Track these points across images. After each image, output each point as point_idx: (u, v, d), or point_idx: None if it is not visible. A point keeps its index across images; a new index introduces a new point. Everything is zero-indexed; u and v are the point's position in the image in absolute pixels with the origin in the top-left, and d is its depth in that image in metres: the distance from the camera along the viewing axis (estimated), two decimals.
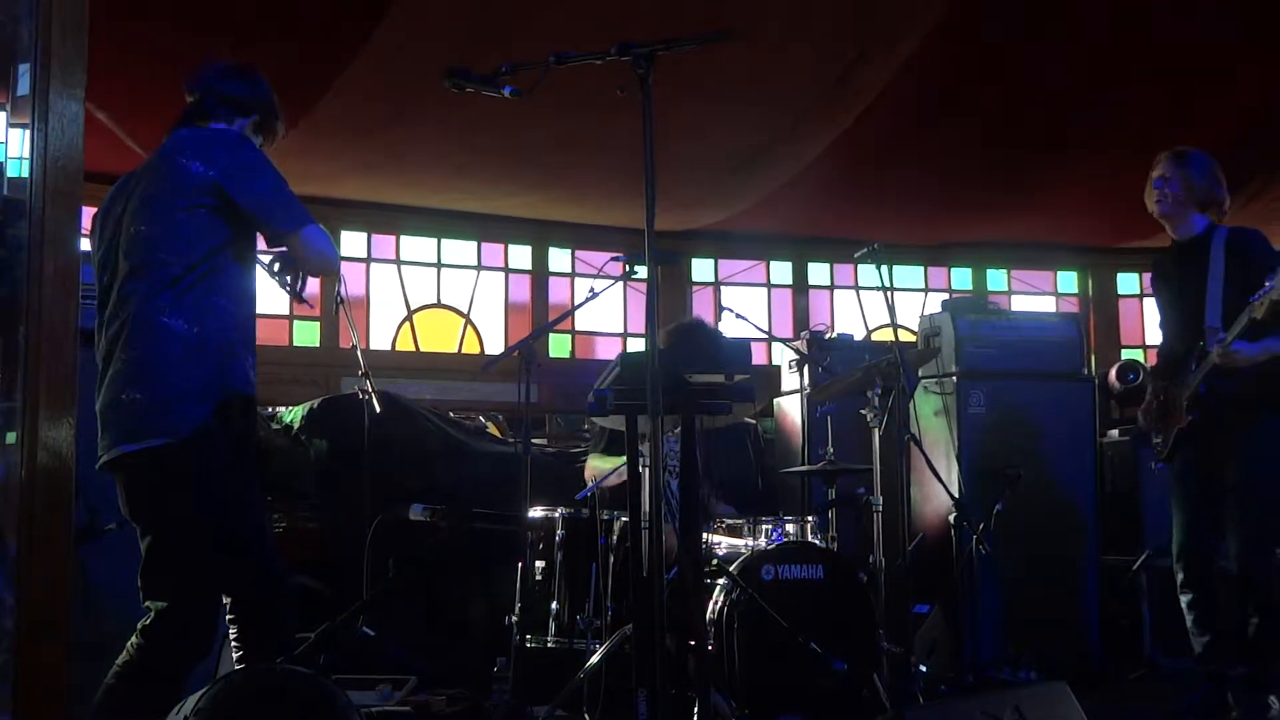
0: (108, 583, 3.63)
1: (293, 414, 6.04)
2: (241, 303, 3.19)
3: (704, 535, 4.71)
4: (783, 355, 7.03)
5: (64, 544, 2.23)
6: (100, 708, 2.99)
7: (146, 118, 6.04)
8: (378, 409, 5.39)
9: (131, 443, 3.00)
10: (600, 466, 5.27)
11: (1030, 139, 7.81)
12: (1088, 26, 6.65)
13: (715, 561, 4.66)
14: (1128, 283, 10.63)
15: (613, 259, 5.22)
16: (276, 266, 3.32)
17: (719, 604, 4.50)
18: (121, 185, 3.27)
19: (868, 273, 9.47)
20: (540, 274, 9.55)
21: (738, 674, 4.38)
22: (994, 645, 5.66)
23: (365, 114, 6.93)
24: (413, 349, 9.10)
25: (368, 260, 9.07)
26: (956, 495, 5.42)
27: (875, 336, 8.11)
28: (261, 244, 3.29)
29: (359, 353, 5.36)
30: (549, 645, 4.63)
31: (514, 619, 4.71)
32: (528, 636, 4.66)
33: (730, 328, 5.87)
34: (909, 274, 10.35)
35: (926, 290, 10.36)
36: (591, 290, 5.42)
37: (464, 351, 9.22)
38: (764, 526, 4.92)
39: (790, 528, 4.91)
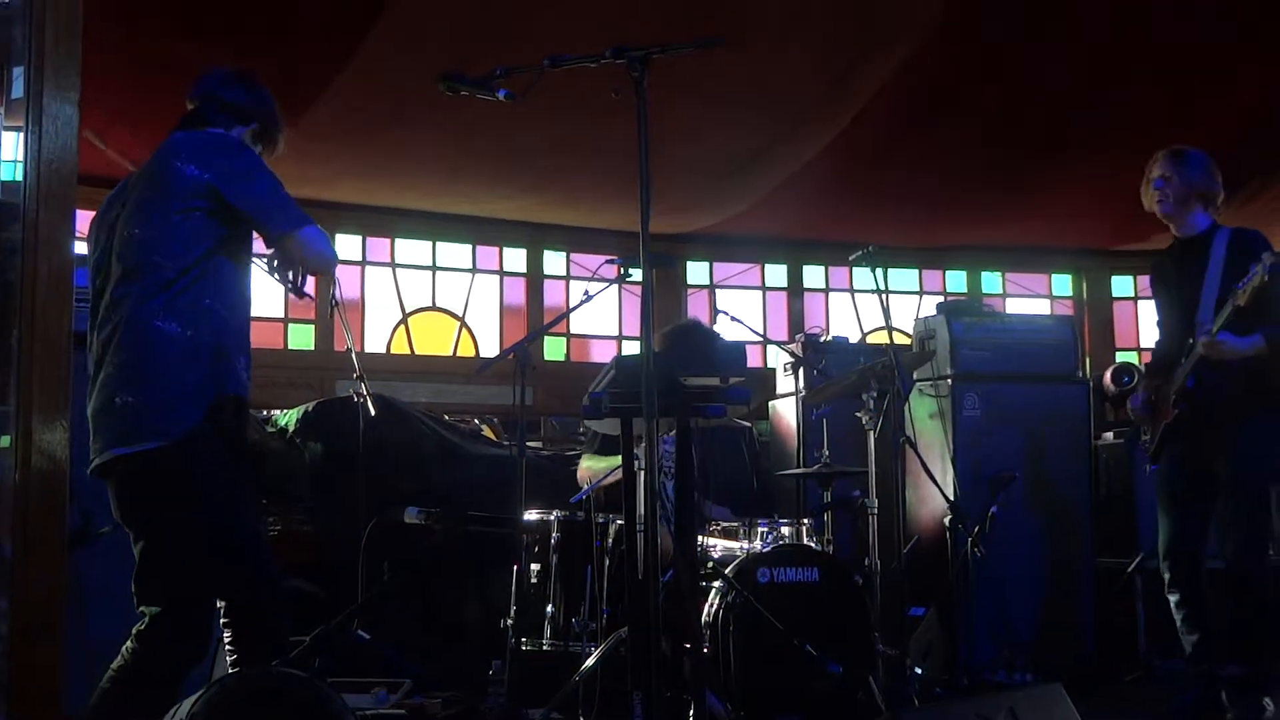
0: (102, 587, 3.62)
1: (287, 417, 6.04)
2: (235, 306, 3.19)
3: (699, 538, 4.71)
4: (778, 358, 7.03)
5: (58, 547, 2.23)
6: (94, 712, 2.98)
7: (137, 122, 6.04)
8: (372, 412, 5.39)
9: (124, 446, 2.99)
10: (593, 467, 5.27)
11: (1026, 141, 7.82)
12: (1087, 27, 6.64)
13: (710, 564, 4.66)
14: (1122, 285, 10.64)
15: (608, 262, 5.22)
16: (275, 262, 3.31)
17: (714, 606, 4.50)
18: (118, 190, 3.27)
19: (863, 275, 9.52)
20: (535, 277, 9.55)
21: (733, 676, 4.38)
22: (989, 648, 5.67)
23: (360, 117, 6.93)
24: (408, 352, 9.09)
25: (362, 263, 9.06)
26: (951, 498, 5.42)
27: (870, 339, 8.12)
28: (259, 244, 3.29)
29: (354, 356, 5.36)
30: (544, 648, 4.63)
31: (509, 622, 4.70)
32: (523, 639, 4.66)
33: (725, 330, 5.87)
34: (904, 277, 10.35)
35: (921, 293, 10.36)
36: (586, 293, 5.42)
37: (459, 354, 9.21)
38: (759, 529, 4.92)
39: (785, 530, 4.92)
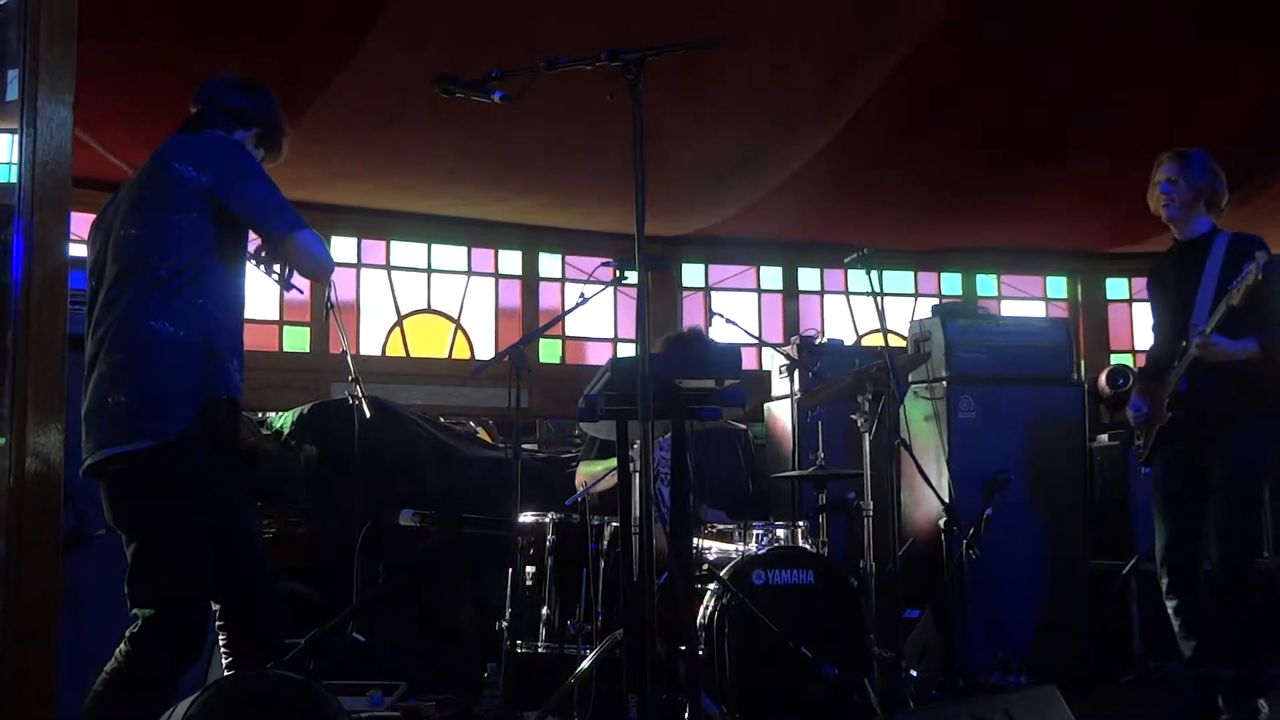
0: (95, 589, 3.61)
1: (283, 419, 6.04)
2: (229, 308, 3.19)
3: (694, 540, 4.72)
4: (773, 360, 7.04)
5: (53, 550, 2.22)
6: (88, 715, 2.98)
7: (136, 123, 6.04)
8: (368, 414, 5.39)
9: (116, 445, 2.99)
10: (591, 472, 5.27)
11: (1023, 143, 7.82)
12: (1086, 28, 6.65)
13: (706, 566, 4.66)
14: (1117, 288, 10.65)
15: (603, 264, 5.21)
16: (262, 255, 3.31)
17: (709, 609, 4.50)
18: (117, 192, 3.27)
19: (858, 278, 9.52)
20: (531, 279, 9.55)
21: (728, 679, 4.38)
22: (984, 650, 5.67)
23: (359, 118, 6.92)
24: (403, 354, 9.09)
25: (358, 265, 9.06)
26: (947, 500, 5.43)
27: (865, 341, 8.14)
28: (254, 244, 3.29)
29: (349, 358, 5.36)
30: (539, 651, 4.63)
31: (504, 624, 4.70)
32: (518, 642, 4.66)
33: (720, 333, 5.87)
34: (899, 279, 10.36)
35: (916, 295, 10.37)
36: (582, 295, 5.42)
37: (454, 357, 9.21)
38: (755, 531, 4.92)
39: (781, 533, 4.92)
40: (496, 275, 9.48)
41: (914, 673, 5.07)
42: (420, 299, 9.24)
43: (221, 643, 3.20)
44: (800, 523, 5.04)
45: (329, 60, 6.35)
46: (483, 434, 7.00)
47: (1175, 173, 4.60)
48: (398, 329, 9.13)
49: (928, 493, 5.43)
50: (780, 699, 4.44)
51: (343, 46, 6.24)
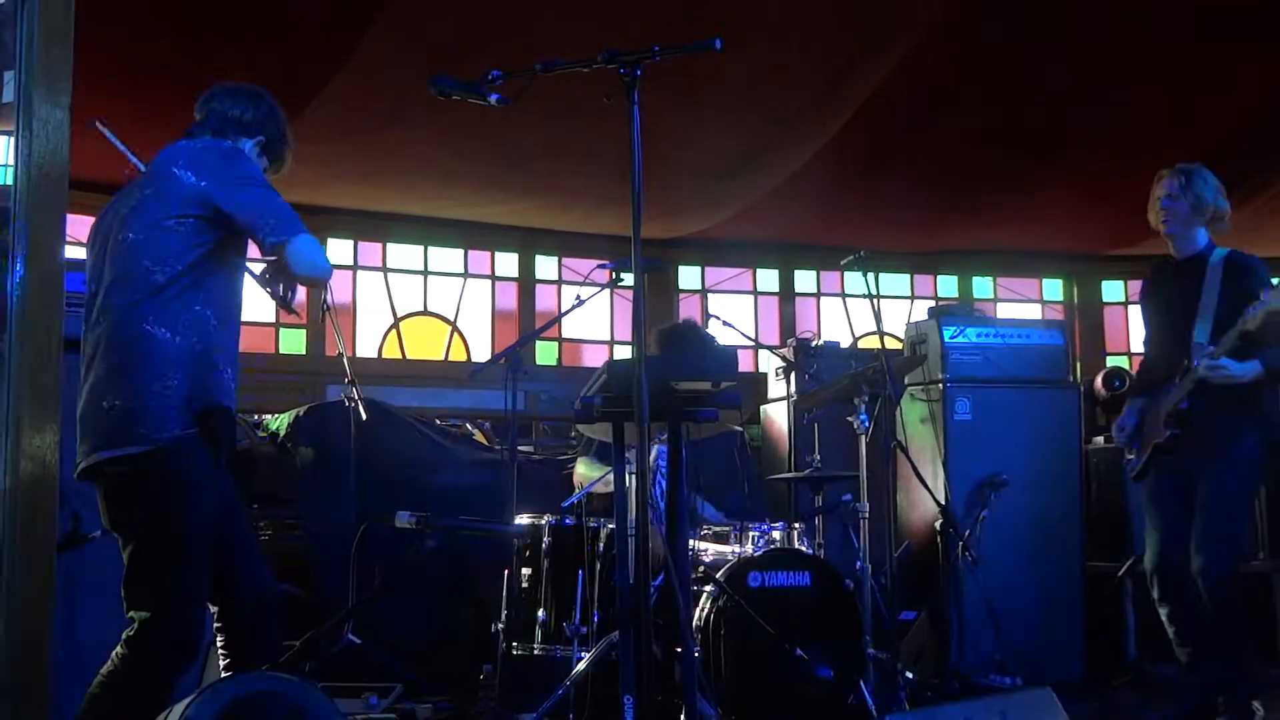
0: (91, 591, 3.61)
1: (279, 421, 6.03)
2: (226, 315, 3.17)
3: (691, 542, 4.72)
4: (769, 362, 7.04)
5: (48, 553, 2.22)
6: (85, 717, 2.98)
7: (134, 124, 6.03)
8: (364, 416, 5.38)
9: (111, 449, 2.99)
10: (589, 474, 5.27)
11: (1019, 146, 7.84)
12: (1085, 28, 6.65)
13: (702, 568, 4.66)
14: (1112, 290, 10.67)
15: (599, 266, 5.22)
16: (266, 275, 3.30)
17: (706, 611, 4.50)
18: (118, 196, 3.26)
19: (854, 280, 9.52)
20: (527, 281, 9.55)
21: (724, 681, 4.38)
22: (980, 651, 5.67)
23: (357, 118, 6.92)
24: (399, 356, 9.09)
25: (354, 268, 9.06)
26: (942, 502, 5.44)
27: (861, 344, 8.13)
28: (254, 251, 3.28)
29: (345, 360, 5.36)
30: (535, 652, 4.62)
31: (500, 626, 4.70)
32: (514, 644, 4.66)
33: (717, 335, 5.88)
34: (895, 281, 10.37)
35: (913, 298, 10.39)
36: (578, 298, 5.42)
37: (450, 359, 9.21)
38: (751, 533, 4.92)
39: (777, 534, 4.92)
40: (493, 277, 9.49)
41: (909, 674, 5.07)
42: (417, 301, 9.25)
43: (219, 645, 3.20)
44: (796, 525, 5.04)
45: (327, 61, 6.36)
46: (478, 436, 6.99)
47: (1177, 189, 4.58)
48: (394, 331, 9.13)
49: (924, 495, 5.44)
50: (776, 701, 4.44)
51: (341, 47, 6.25)
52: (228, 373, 3.16)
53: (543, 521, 4.79)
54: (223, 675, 3.13)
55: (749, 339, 6.36)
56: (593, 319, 9.68)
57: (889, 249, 9.65)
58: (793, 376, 6.43)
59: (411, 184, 8.26)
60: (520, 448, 5.79)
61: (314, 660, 4.81)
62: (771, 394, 6.81)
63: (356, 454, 5.51)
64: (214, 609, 3.18)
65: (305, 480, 5.84)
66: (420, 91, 3.25)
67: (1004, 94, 7.23)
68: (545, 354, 9.53)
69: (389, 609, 5.49)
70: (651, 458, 4.34)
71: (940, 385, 6.04)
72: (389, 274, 9.17)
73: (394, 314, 9.14)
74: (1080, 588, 6.06)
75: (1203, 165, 4.64)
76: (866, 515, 4.97)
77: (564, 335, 9.60)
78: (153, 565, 3.01)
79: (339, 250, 8.94)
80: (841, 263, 5.27)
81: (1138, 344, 10.28)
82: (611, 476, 4.40)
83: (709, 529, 5.11)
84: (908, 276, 10.40)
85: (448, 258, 9.36)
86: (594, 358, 9.64)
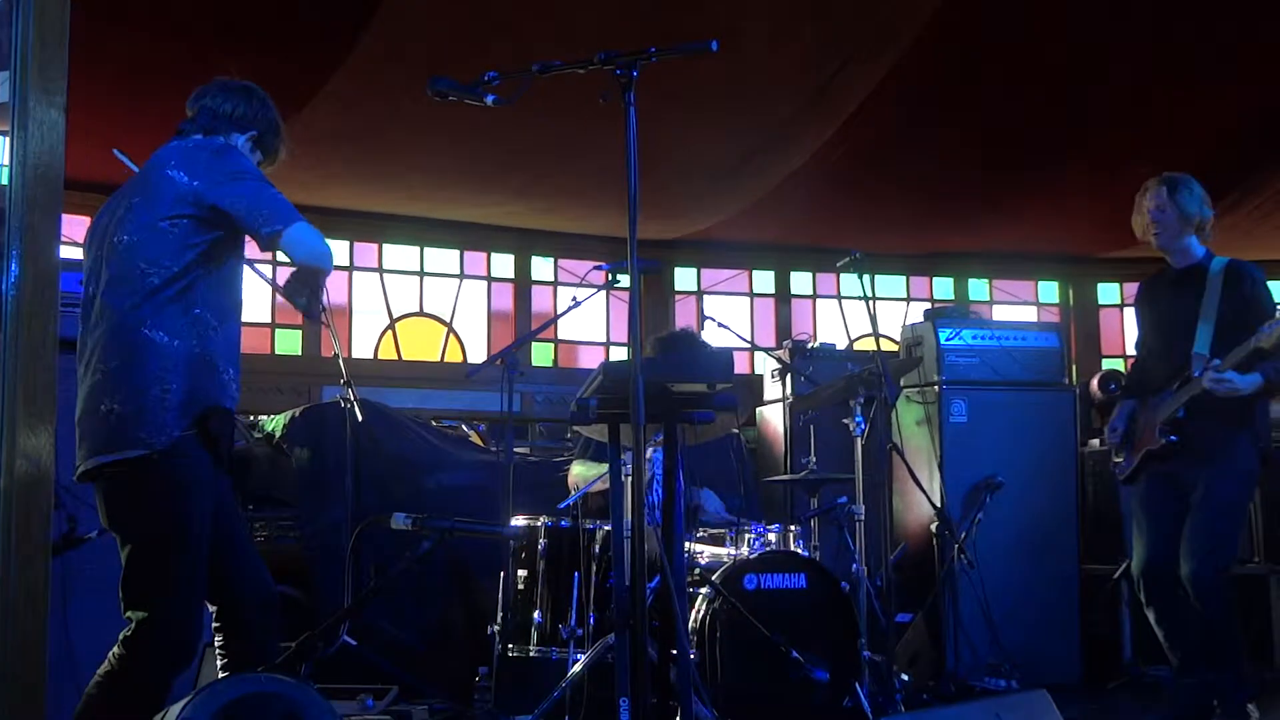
0: (88, 592, 3.61)
1: (274, 422, 6.02)
2: (224, 315, 3.17)
3: (687, 544, 4.71)
4: (765, 364, 7.04)
5: (44, 554, 2.22)
6: (81, 718, 2.98)
7: (131, 125, 6.03)
8: (359, 418, 5.37)
9: (109, 453, 2.99)
10: (585, 474, 5.26)
11: (1014, 148, 7.84)
12: (1081, 29, 6.65)
13: (698, 570, 4.66)
14: (1108, 292, 10.67)
15: (595, 268, 5.23)
16: (291, 287, 3.29)
17: (702, 613, 4.50)
18: (113, 197, 3.26)
19: (850, 282, 9.51)
20: (523, 283, 9.54)
21: (720, 683, 4.38)
22: (975, 654, 5.68)
23: (348, 122, 6.92)
24: (395, 358, 9.08)
25: (350, 268, 9.05)
26: (938, 504, 5.44)
27: (858, 346, 8.13)
28: (254, 252, 3.27)
29: (341, 361, 5.35)
30: (531, 655, 4.62)
31: (496, 628, 4.70)
32: (510, 646, 4.65)
33: (713, 337, 5.88)
34: (891, 283, 10.37)
35: (909, 300, 10.39)
36: (574, 299, 5.42)
37: (446, 360, 9.20)
38: (747, 535, 4.92)
39: (773, 537, 4.92)
40: (489, 278, 9.48)
41: (905, 677, 5.08)
42: (413, 302, 9.24)
43: (218, 645, 3.20)
44: (792, 527, 5.04)
45: (324, 62, 6.35)
46: (474, 438, 6.99)
47: (1163, 200, 4.59)
48: (390, 332, 9.12)
49: (919, 497, 5.44)
50: (772, 703, 4.44)
51: (338, 48, 6.24)
52: (228, 373, 3.15)
53: (539, 523, 4.78)
54: (219, 676, 3.13)
55: (745, 341, 6.36)
56: (589, 320, 9.67)
57: (885, 251, 9.63)
58: (788, 379, 6.44)
59: (408, 185, 8.25)
60: (516, 449, 5.79)
61: (309, 662, 4.80)
62: (767, 396, 6.82)
63: (352, 455, 5.51)
64: (213, 609, 3.18)
65: (301, 481, 5.83)
66: (417, 92, 3.25)
67: (999, 96, 7.23)
68: (541, 355, 9.52)
69: (385, 610, 5.48)
70: (647, 461, 4.33)
71: (936, 387, 6.05)
72: (385, 275, 9.16)
73: (390, 315, 9.13)
74: (1076, 590, 6.06)
75: (1189, 175, 4.65)
76: (862, 517, 4.98)
77: (560, 337, 9.58)
78: (150, 565, 3.01)
79: (335, 251, 8.88)
80: (837, 265, 5.27)
81: (1133, 347, 10.30)
82: (607, 476, 4.41)
83: (705, 530, 5.10)
84: (903, 278, 10.40)
85: (443, 259, 9.36)
86: (590, 359, 9.63)
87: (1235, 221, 8.18)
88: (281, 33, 6.02)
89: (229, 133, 3.31)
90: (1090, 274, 10.55)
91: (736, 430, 6.32)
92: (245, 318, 3.35)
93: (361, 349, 8.98)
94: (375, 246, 9.14)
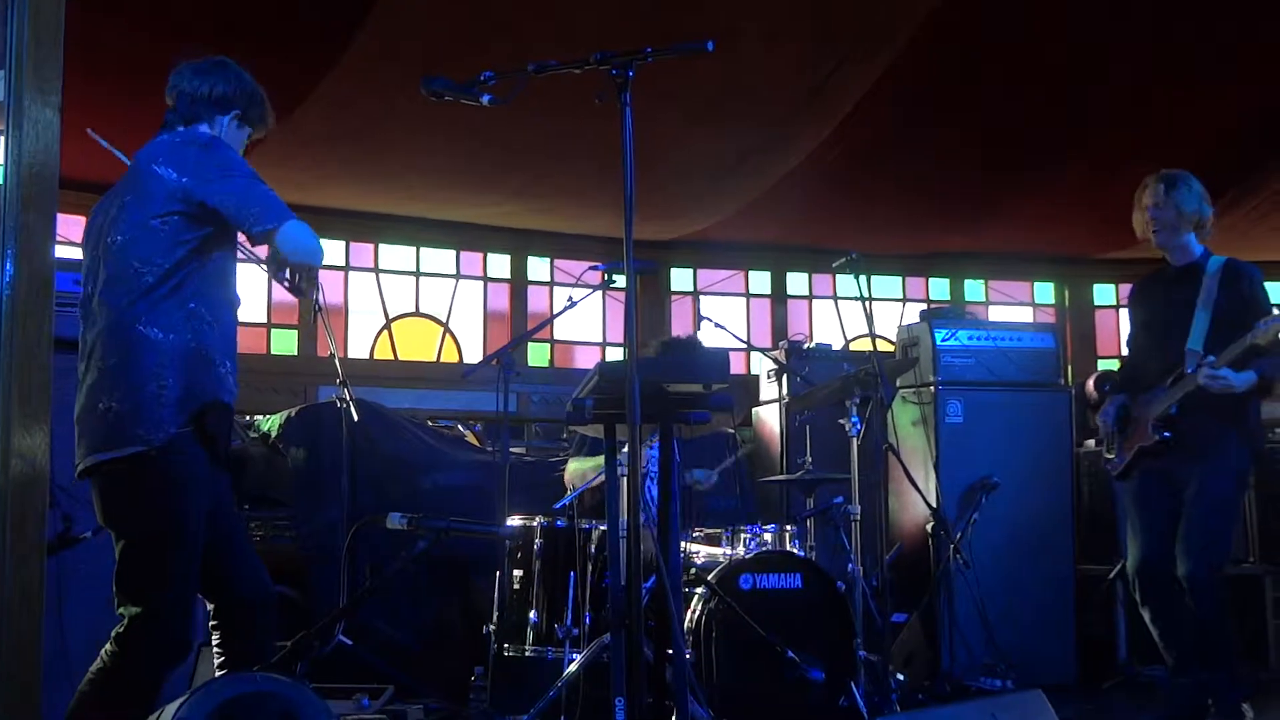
0: (81, 589, 3.60)
1: (270, 422, 6.02)
2: (220, 310, 3.16)
3: (682, 544, 4.72)
4: (761, 365, 7.04)
5: (38, 553, 2.22)
6: (74, 715, 2.97)
7: (126, 125, 6.02)
8: (355, 417, 5.37)
9: (107, 451, 2.98)
10: (581, 469, 5.26)
11: (1011, 148, 7.84)
12: (1078, 30, 6.65)
13: (694, 570, 4.66)
14: (1104, 293, 10.69)
15: (591, 268, 5.22)
16: (274, 266, 3.24)
17: (697, 612, 4.50)
18: (106, 196, 3.25)
19: (846, 282, 9.54)
20: (519, 283, 9.55)
21: (716, 683, 4.38)
22: (971, 654, 5.68)
23: (344, 121, 6.91)
24: (391, 358, 9.09)
25: (346, 268, 9.05)
26: (934, 505, 5.44)
27: (853, 346, 8.14)
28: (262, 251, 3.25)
29: (337, 361, 5.35)
30: (527, 654, 4.62)
31: (492, 628, 4.69)
32: (505, 645, 4.65)
33: (709, 337, 5.88)
34: (887, 284, 10.38)
35: (904, 300, 10.40)
36: (570, 299, 5.42)
37: (442, 360, 9.20)
38: (743, 535, 4.92)
39: (768, 537, 4.92)
40: (485, 279, 9.48)
41: (901, 677, 5.07)
42: (409, 302, 9.24)
43: (215, 643, 3.19)
44: (788, 527, 5.04)
45: (318, 61, 6.34)
46: (470, 437, 6.99)
47: (1161, 198, 4.58)
48: (386, 332, 9.12)
49: (915, 497, 5.44)
50: (767, 703, 4.44)
51: (332, 48, 6.23)
52: (225, 366, 3.14)
53: (534, 523, 4.78)
54: (216, 674, 3.13)
55: (741, 341, 6.36)
56: (585, 321, 9.68)
57: (881, 251, 9.65)
58: (784, 379, 6.43)
59: (404, 185, 8.25)
60: (512, 449, 5.79)
61: (305, 661, 4.80)
62: (763, 396, 6.82)
63: (348, 455, 5.50)
64: (210, 608, 3.18)
65: (297, 481, 5.82)
66: (413, 92, 3.24)
67: (998, 96, 7.24)
68: (537, 355, 9.53)
69: (380, 610, 5.48)
70: (643, 460, 4.34)
71: (932, 388, 6.05)
72: (381, 275, 9.16)
73: (386, 315, 9.13)
74: (1071, 590, 6.06)
75: (1188, 172, 4.65)
76: (858, 518, 4.97)
77: (556, 337, 9.59)
78: (145, 561, 3.01)
79: (331, 251, 8.92)
80: (833, 265, 5.27)
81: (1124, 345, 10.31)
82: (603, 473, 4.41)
83: (701, 530, 5.11)
84: (899, 279, 10.41)
85: (440, 259, 9.36)
86: (586, 359, 9.64)
87: (1233, 222, 8.19)
88: (281, 32, 6.01)
89: (211, 117, 3.28)
90: (1086, 275, 10.57)
91: (733, 429, 6.32)
92: (241, 317, 3.34)
93: (357, 349, 8.98)
94: (371, 246, 9.15)
